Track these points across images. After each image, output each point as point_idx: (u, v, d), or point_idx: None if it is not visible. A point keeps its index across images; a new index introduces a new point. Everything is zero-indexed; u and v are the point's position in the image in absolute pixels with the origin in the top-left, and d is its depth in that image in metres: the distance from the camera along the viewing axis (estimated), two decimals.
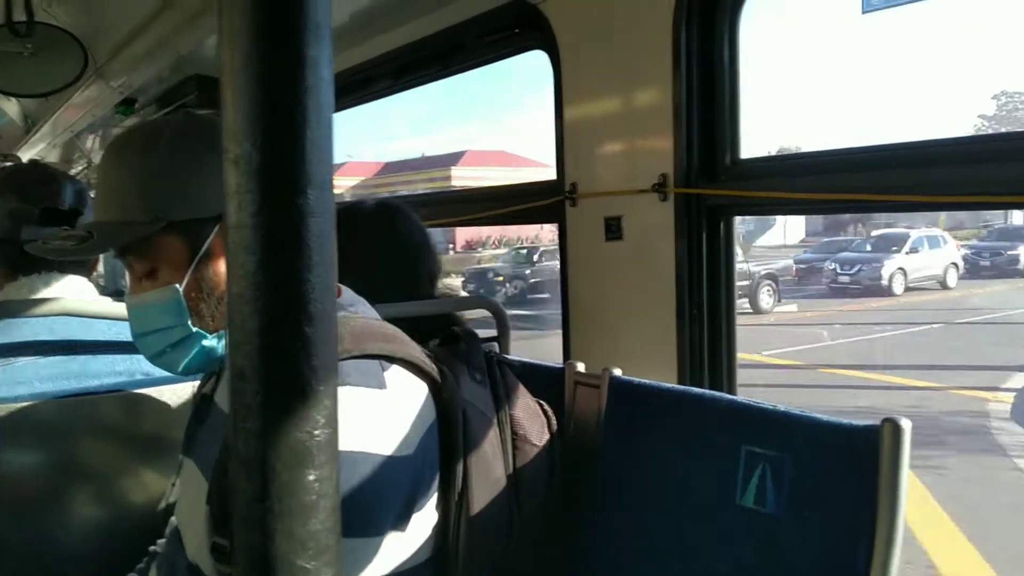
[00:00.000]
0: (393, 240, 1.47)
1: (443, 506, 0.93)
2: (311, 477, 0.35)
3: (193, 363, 0.99)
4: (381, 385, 0.86)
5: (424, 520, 0.91)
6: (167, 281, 0.95)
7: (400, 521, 0.87)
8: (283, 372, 0.34)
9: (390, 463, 0.83)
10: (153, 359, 1.01)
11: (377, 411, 0.85)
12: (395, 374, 0.89)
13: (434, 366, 0.95)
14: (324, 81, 0.32)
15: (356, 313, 0.98)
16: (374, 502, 0.83)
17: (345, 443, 0.79)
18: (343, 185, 30.72)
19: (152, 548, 1.24)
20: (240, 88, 0.31)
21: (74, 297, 1.39)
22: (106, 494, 1.35)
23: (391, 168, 35.75)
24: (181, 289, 0.95)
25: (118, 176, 0.97)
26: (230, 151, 0.32)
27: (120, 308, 1.39)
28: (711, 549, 1.02)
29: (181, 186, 0.95)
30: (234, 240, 0.33)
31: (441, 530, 0.93)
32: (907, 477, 0.87)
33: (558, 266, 1.77)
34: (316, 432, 0.35)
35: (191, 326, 0.96)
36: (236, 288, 0.33)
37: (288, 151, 0.32)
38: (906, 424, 0.87)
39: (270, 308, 0.33)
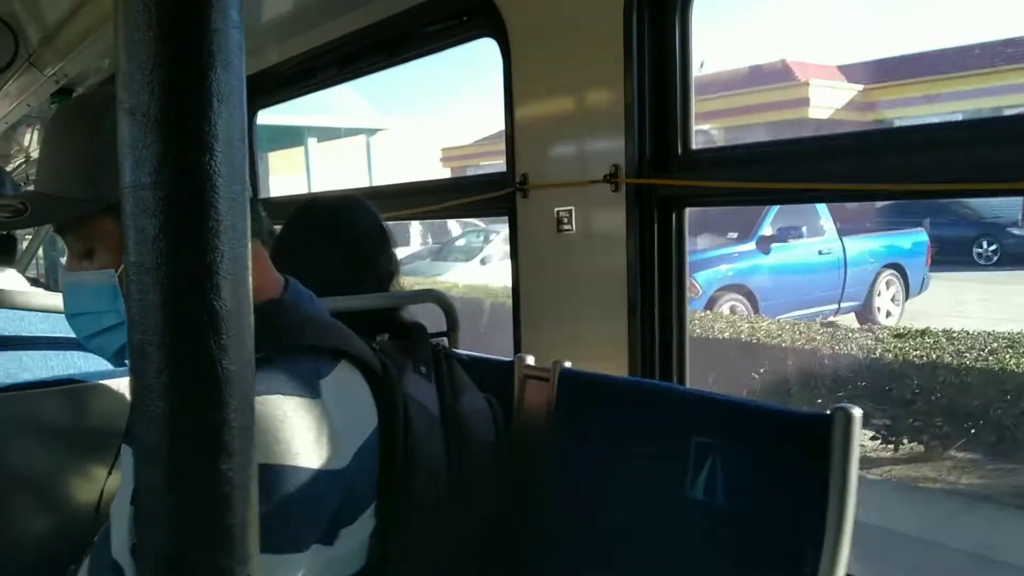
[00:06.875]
0: (345, 237, 1.43)
1: (381, 511, 0.90)
2: (224, 466, 0.31)
3: (125, 351, 0.95)
4: (315, 395, 0.83)
5: (356, 532, 0.87)
6: (104, 264, 0.90)
7: (327, 535, 0.84)
8: (189, 350, 0.30)
9: (319, 477, 0.80)
10: (85, 340, 0.96)
11: (309, 423, 0.81)
12: (333, 380, 0.86)
13: (377, 360, 0.91)
14: (233, 24, 0.29)
15: (300, 307, 0.94)
16: (300, 518, 0.80)
17: (274, 456, 0.76)
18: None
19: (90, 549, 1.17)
20: (134, 28, 0.28)
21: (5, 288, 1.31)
22: (47, 495, 1.27)
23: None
24: (116, 275, 0.89)
25: (61, 151, 0.91)
26: (124, 100, 0.28)
27: (53, 299, 1.32)
28: (662, 542, 1.00)
29: None
30: (131, 202, 0.29)
31: (379, 535, 0.90)
32: (857, 464, 0.87)
33: None
34: (229, 416, 0.31)
35: (123, 313, 0.91)
36: (135, 256, 0.30)
37: (191, 102, 0.29)
38: (856, 412, 0.87)
39: (174, 278, 0.30)
